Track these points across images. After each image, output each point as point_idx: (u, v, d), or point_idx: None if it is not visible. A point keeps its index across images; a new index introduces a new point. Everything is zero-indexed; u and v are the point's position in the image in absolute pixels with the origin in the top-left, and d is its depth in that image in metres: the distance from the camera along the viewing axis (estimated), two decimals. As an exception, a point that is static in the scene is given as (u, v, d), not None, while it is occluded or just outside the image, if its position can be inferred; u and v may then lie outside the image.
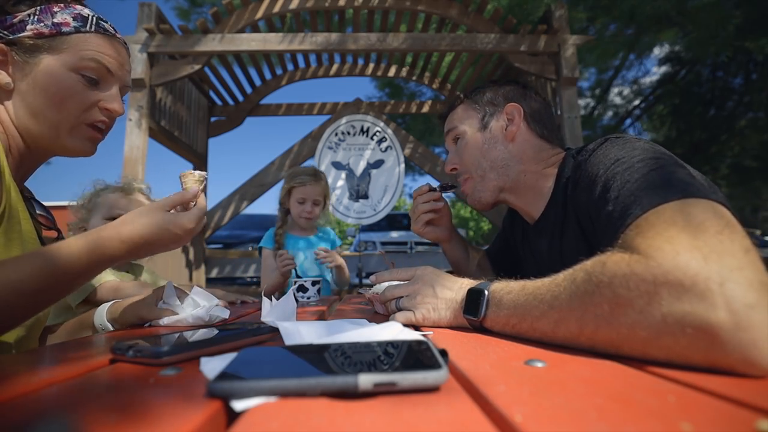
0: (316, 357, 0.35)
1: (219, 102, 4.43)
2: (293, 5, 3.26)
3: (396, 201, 4.02)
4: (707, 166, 7.16)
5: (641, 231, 0.45)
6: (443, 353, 0.35)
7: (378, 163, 4.00)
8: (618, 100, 8.89)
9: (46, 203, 0.84)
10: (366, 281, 4.46)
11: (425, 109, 4.71)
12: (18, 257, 0.58)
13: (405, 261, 5.16)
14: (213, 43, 3.17)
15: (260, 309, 0.68)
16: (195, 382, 0.34)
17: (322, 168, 3.89)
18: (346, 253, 5.19)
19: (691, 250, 0.38)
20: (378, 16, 3.73)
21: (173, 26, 3.21)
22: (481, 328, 0.56)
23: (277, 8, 3.26)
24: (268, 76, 4.34)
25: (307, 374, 0.30)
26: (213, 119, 4.44)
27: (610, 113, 8.97)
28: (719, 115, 7.42)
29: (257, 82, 4.34)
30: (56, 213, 0.86)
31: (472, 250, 1.22)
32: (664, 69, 7.99)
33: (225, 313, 0.77)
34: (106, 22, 0.75)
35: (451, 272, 0.71)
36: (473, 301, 0.56)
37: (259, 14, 3.26)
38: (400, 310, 0.65)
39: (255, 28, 3.48)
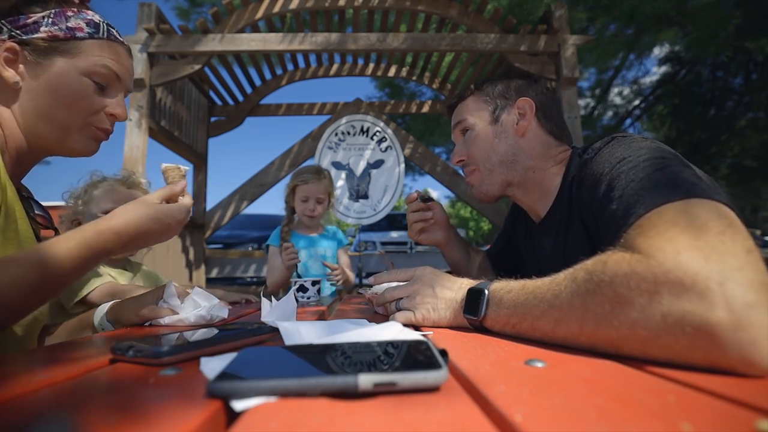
0: (316, 357, 0.35)
1: (219, 102, 4.43)
2: (293, 5, 3.26)
3: (396, 201, 4.01)
4: (707, 166, 7.16)
5: (643, 230, 0.45)
6: (443, 353, 0.35)
7: (378, 163, 3.99)
8: (618, 100, 8.89)
9: (44, 203, 0.84)
10: (366, 281, 4.46)
11: (425, 109, 4.71)
12: (14, 254, 0.58)
13: (405, 261, 5.16)
14: (213, 43, 3.17)
15: (260, 309, 0.68)
16: (195, 382, 0.34)
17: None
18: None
19: (692, 250, 0.38)
20: (378, 16, 3.73)
21: (173, 26, 3.21)
22: (481, 328, 0.56)
23: (277, 8, 3.26)
24: (268, 76, 4.33)
25: (307, 374, 0.30)
26: (213, 119, 4.44)
27: (610, 113, 8.98)
28: (719, 115, 7.42)
29: (257, 82, 4.34)
30: (55, 213, 0.86)
31: (473, 252, 1.22)
32: (664, 69, 8.00)
33: (224, 312, 0.77)
34: (114, 29, 0.77)
35: (450, 272, 0.71)
36: (473, 300, 0.56)
37: (259, 14, 3.26)
38: (400, 310, 0.65)
39: (255, 28, 3.48)
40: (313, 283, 1.30)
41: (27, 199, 0.78)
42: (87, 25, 0.72)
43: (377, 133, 4.01)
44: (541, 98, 0.92)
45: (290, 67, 4.40)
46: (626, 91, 8.71)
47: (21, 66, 0.69)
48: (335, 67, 4.42)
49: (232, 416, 0.28)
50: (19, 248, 0.68)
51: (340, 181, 3.97)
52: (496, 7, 3.37)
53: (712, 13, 4.67)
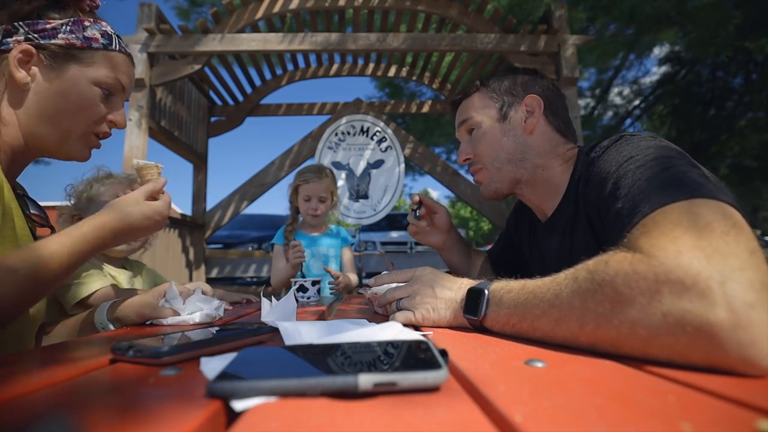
0: (316, 357, 0.35)
1: (219, 102, 4.42)
2: (293, 5, 3.26)
3: (396, 201, 4.01)
4: (707, 166, 7.09)
5: (647, 230, 0.45)
6: (443, 353, 0.35)
7: (378, 163, 3.99)
8: (618, 100, 8.90)
9: (43, 203, 0.85)
10: (366, 281, 4.46)
11: (425, 109, 4.71)
12: (14, 251, 0.60)
13: (405, 261, 5.16)
14: (213, 43, 3.16)
15: (260, 309, 0.68)
16: (195, 382, 0.34)
17: (322, 168, 3.88)
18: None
19: (694, 250, 0.38)
20: (378, 16, 3.73)
21: (173, 26, 3.21)
22: (481, 328, 0.55)
23: (277, 8, 3.26)
24: (268, 76, 4.33)
25: (307, 374, 0.30)
26: (213, 119, 4.44)
27: (610, 113, 8.98)
28: (719, 115, 7.43)
29: (257, 82, 4.34)
30: (53, 213, 0.86)
31: (475, 254, 1.22)
32: (664, 69, 8.01)
33: (221, 311, 0.80)
34: (122, 39, 0.81)
35: (449, 273, 0.71)
36: (473, 300, 0.56)
37: (259, 14, 3.26)
38: (400, 310, 0.65)
39: (255, 28, 3.48)
40: (313, 283, 1.30)
41: (22, 197, 0.78)
42: (102, 37, 0.76)
43: (377, 133, 4.01)
44: (547, 94, 0.91)
45: (290, 67, 4.40)
46: (626, 91, 8.72)
47: (33, 68, 0.71)
48: (335, 67, 4.42)
49: (232, 416, 0.28)
50: (17, 246, 0.69)
51: (340, 181, 3.96)
52: (496, 7, 3.37)
53: (712, 13, 4.67)
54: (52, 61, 0.72)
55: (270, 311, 0.64)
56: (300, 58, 4.24)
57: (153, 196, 0.78)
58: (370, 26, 3.56)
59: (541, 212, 0.94)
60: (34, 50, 0.70)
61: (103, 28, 0.76)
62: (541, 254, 0.98)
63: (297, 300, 1.21)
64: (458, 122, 0.99)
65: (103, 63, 0.76)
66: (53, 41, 0.71)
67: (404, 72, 4.48)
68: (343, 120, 4.03)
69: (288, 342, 0.49)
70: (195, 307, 0.78)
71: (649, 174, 0.56)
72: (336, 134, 4.01)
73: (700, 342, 0.34)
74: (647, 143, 0.65)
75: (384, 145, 4.00)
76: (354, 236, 7.20)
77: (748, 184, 7.66)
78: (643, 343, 0.38)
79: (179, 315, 0.76)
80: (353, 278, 1.88)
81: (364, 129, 4.02)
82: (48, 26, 0.71)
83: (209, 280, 4.07)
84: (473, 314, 0.55)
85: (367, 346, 0.38)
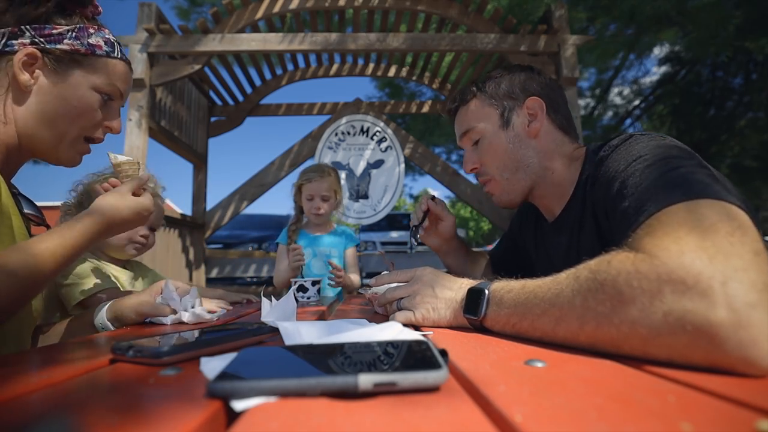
0: (316, 357, 0.35)
1: (219, 102, 4.42)
2: (293, 5, 3.26)
3: (396, 201, 4.01)
4: (707, 166, 7.16)
5: (651, 230, 0.45)
6: (443, 353, 0.35)
7: (378, 163, 3.99)
8: (618, 100, 8.90)
9: (44, 203, 0.85)
10: (366, 281, 4.45)
11: (425, 109, 4.70)
12: (7, 249, 0.61)
13: (405, 261, 5.16)
14: (213, 43, 3.16)
15: (260, 309, 0.68)
16: (195, 382, 0.34)
17: (322, 168, 3.88)
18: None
19: (696, 251, 0.38)
20: (378, 16, 3.73)
21: (173, 26, 3.21)
22: (481, 328, 0.55)
23: (277, 8, 3.26)
24: (268, 76, 4.33)
25: (307, 374, 0.30)
26: (213, 119, 4.43)
27: (610, 113, 8.99)
28: (719, 115, 7.43)
29: (257, 82, 4.34)
30: (55, 213, 0.87)
31: (477, 256, 1.22)
32: (664, 69, 8.01)
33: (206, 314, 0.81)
34: (122, 47, 0.83)
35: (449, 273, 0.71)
36: (473, 300, 0.56)
37: (259, 14, 3.26)
38: (400, 310, 0.65)
39: (255, 28, 3.48)
40: (313, 283, 1.30)
41: (16, 196, 0.79)
42: (105, 44, 0.78)
43: (377, 133, 4.01)
44: (547, 92, 0.89)
45: (290, 67, 4.39)
46: (626, 91, 8.72)
47: (37, 71, 0.73)
48: (335, 67, 4.42)
49: (232, 416, 0.28)
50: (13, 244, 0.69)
51: (341, 181, 3.96)
52: (496, 7, 3.37)
53: (712, 13, 4.67)
54: (56, 65, 0.73)
55: (270, 311, 0.64)
56: (300, 58, 4.24)
57: (137, 192, 0.82)
58: (370, 26, 3.56)
59: (549, 212, 0.93)
60: (39, 54, 0.72)
61: (106, 36, 0.79)
62: (548, 254, 0.97)
63: (297, 300, 1.21)
64: (460, 132, 0.96)
65: (105, 70, 0.78)
66: (58, 46, 0.73)
67: (404, 72, 4.47)
68: (343, 120, 4.03)
69: (288, 342, 0.49)
70: (190, 303, 0.79)
71: (656, 174, 0.56)
72: (336, 134, 4.01)
73: (701, 341, 0.34)
74: (656, 143, 0.64)
75: (384, 145, 4.00)
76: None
77: (748, 184, 7.67)
78: (644, 343, 0.38)
79: (177, 312, 0.77)
80: (355, 279, 1.87)
81: (364, 129, 4.02)
82: (54, 31, 0.73)
83: (209, 280, 4.07)
84: (473, 314, 0.55)
85: (367, 346, 0.38)
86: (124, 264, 1.31)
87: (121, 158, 0.87)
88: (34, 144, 0.76)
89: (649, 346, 0.37)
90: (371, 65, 4.46)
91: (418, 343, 0.38)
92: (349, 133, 4.02)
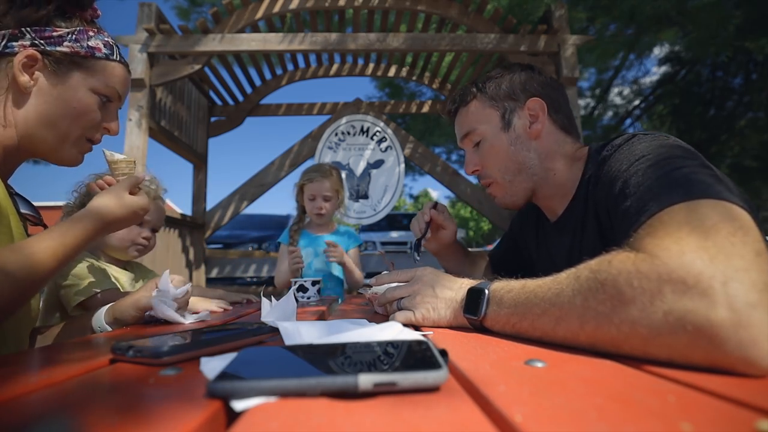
0: (316, 357, 0.35)
1: (219, 102, 4.42)
2: (293, 5, 3.26)
3: (396, 201, 4.01)
4: (707, 166, 7.17)
5: (653, 230, 0.45)
6: (443, 353, 0.35)
7: (378, 163, 3.99)
8: (618, 100, 8.90)
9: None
10: (366, 281, 4.45)
11: (425, 109, 4.70)
12: (3, 249, 0.61)
13: (405, 261, 5.16)
14: (213, 43, 3.16)
15: (260, 309, 0.68)
16: (195, 382, 0.34)
17: (322, 168, 3.88)
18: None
19: (697, 251, 0.38)
20: (378, 16, 3.73)
21: (173, 26, 3.21)
22: (481, 328, 0.55)
23: (277, 8, 3.26)
24: (268, 76, 4.33)
25: (307, 374, 0.30)
26: (213, 119, 4.43)
27: (610, 113, 8.98)
28: (719, 115, 7.43)
29: (257, 82, 4.34)
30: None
31: (476, 257, 1.22)
32: (664, 69, 8.00)
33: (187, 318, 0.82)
34: (120, 50, 0.84)
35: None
36: (473, 300, 0.56)
37: (259, 14, 3.26)
38: (400, 310, 0.65)
39: (255, 28, 3.48)
40: (313, 283, 1.30)
41: (12, 195, 0.79)
42: (104, 47, 0.79)
43: (377, 133, 4.01)
44: (547, 91, 0.89)
45: (290, 67, 4.39)
46: (626, 91, 8.72)
47: (37, 73, 0.74)
48: (335, 67, 4.41)
49: (232, 416, 0.28)
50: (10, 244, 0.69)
51: (341, 181, 3.96)
52: (496, 7, 3.37)
53: (712, 13, 4.67)
54: (56, 67, 0.74)
55: (270, 311, 0.64)
56: (300, 58, 4.24)
57: (132, 191, 0.83)
58: (370, 26, 3.56)
59: (551, 212, 0.93)
60: (39, 56, 0.72)
61: (105, 39, 0.80)
62: (550, 254, 0.96)
63: (297, 300, 1.21)
64: (461, 134, 0.96)
65: (104, 72, 0.79)
66: (58, 48, 0.74)
67: (404, 72, 4.47)
68: (343, 120, 4.03)
69: (288, 342, 0.49)
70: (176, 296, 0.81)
71: (659, 173, 0.56)
72: (336, 134, 4.01)
73: (701, 341, 0.34)
74: (659, 142, 0.64)
75: (384, 145, 4.00)
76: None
77: (748, 184, 7.66)
78: (644, 343, 0.37)
79: (174, 306, 0.78)
80: (358, 273, 1.86)
81: (364, 129, 4.02)
82: (54, 34, 0.74)
83: (209, 280, 4.07)
84: (473, 314, 0.55)
85: (367, 346, 0.38)
86: (125, 265, 1.31)
87: (117, 156, 0.87)
88: (35, 145, 0.76)
89: (649, 346, 0.37)
90: (371, 65, 4.46)
91: (418, 343, 0.38)
92: (349, 133, 4.02)
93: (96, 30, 0.79)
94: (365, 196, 3.96)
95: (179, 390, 0.33)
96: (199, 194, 4.15)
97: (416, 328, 0.61)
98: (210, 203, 4.16)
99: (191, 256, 3.81)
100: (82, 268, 1.10)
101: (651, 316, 0.37)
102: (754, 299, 0.34)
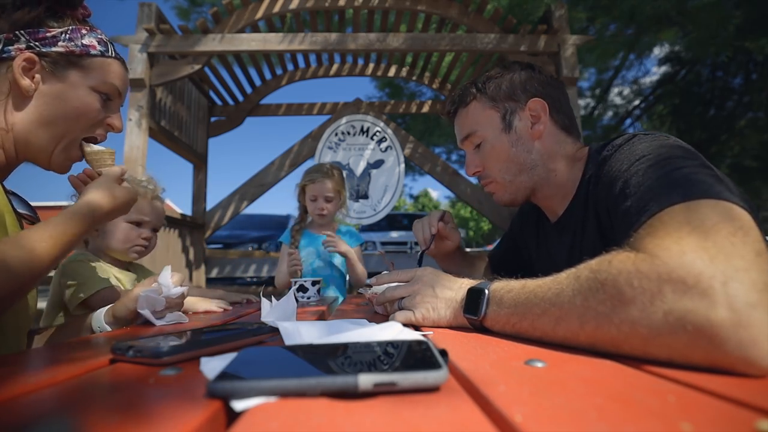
0: (316, 357, 0.35)
1: (219, 102, 4.42)
2: (293, 5, 3.26)
3: (396, 201, 4.01)
4: (707, 166, 7.18)
5: (653, 230, 0.45)
6: (443, 353, 0.35)
7: (378, 163, 3.99)
8: (618, 100, 8.89)
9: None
10: (366, 281, 4.45)
11: (425, 109, 4.70)
12: (6, 238, 0.62)
13: (405, 261, 5.16)
14: (213, 43, 3.16)
15: (260, 309, 0.68)
16: (195, 382, 0.34)
17: (322, 168, 3.88)
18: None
19: (698, 251, 0.38)
20: (378, 16, 3.73)
21: (173, 26, 3.21)
22: (481, 328, 0.55)
23: (277, 8, 3.26)
24: (268, 76, 4.33)
25: (307, 374, 0.30)
26: (213, 119, 4.43)
27: (610, 113, 8.98)
28: (719, 115, 7.43)
29: (257, 82, 4.34)
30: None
31: (475, 258, 1.22)
32: (664, 69, 8.00)
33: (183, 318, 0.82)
34: (115, 46, 0.84)
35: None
36: (473, 300, 0.56)
37: (259, 14, 3.26)
38: (400, 310, 0.65)
39: (255, 28, 3.48)
40: (313, 283, 1.30)
41: (8, 194, 0.80)
42: (99, 44, 0.78)
43: (377, 133, 4.01)
44: (548, 91, 0.88)
45: (290, 67, 4.39)
46: (626, 91, 8.72)
47: (36, 76, 0.73)
48: (335, 67, 4.42)
49: (232, 416, 0.28)
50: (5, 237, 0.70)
51: (341, 181, 3.96)
52: (496, 7, 3.37)
53: (712, 13, 4.67)
54: (53, 68, 0.74)
55: (270, 311, 0.64)
56: (300, 58, 4.24)
57: (119, 181, 0.82)
58: (370, 26, 3.56)
59: (551, 212, 0.93)
60: (36, 58, 0.72)
61: (99, 36, 0.79)
62: (550, 254, 0.96)
63: (297, 300, 1.21)
64: (461, 135, 0.95)
65: (101, 70, 0.78)
66: (54, 49, 0.74)
67: (404, 72, 4.47)
68: (343, 120, 4.03)
69: (288, 342, 0.49)
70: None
71: (659, 173, 0.56)
72: (336, 134, 4.01)
73: (701, 341, 0.34)
74: (660, 142, 0.64)
75: (384, 145, 4.00)
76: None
77: (748, 184, 7.66)
78: (644, 342, 0.37)
79: (162, 304, 0.78)
80: (362, 269, 1.84)
81: (364, 129, 4.02)
82: (48, 34, 0.73)
83: (209, 280, 4.07)
84: (473, 314, 0.55)
85: (367, 346, 0.38)
86: (127, 266, 1.31)
87: (96, 147, 0.85)
88: (29, 148, 0.76)
89: (649, 346, 0.37)
90: (371, 65, 4.46)
91: (418, 343, 0.38)
92: (349, 133, 4.02)
93: (89, 28, 0.79)
94: (365, 196, 3.96)
95: (179, 390, 0.33)
96: (199, 194, 4.15)
97: (416, 328, 0.61)
98: (210, 203, 4.16)
99: (191, 256, 3.81)
100: (85, 268, 1.10)
101: (651, 316, 0.37)
102: (754, 299, 0.34)
